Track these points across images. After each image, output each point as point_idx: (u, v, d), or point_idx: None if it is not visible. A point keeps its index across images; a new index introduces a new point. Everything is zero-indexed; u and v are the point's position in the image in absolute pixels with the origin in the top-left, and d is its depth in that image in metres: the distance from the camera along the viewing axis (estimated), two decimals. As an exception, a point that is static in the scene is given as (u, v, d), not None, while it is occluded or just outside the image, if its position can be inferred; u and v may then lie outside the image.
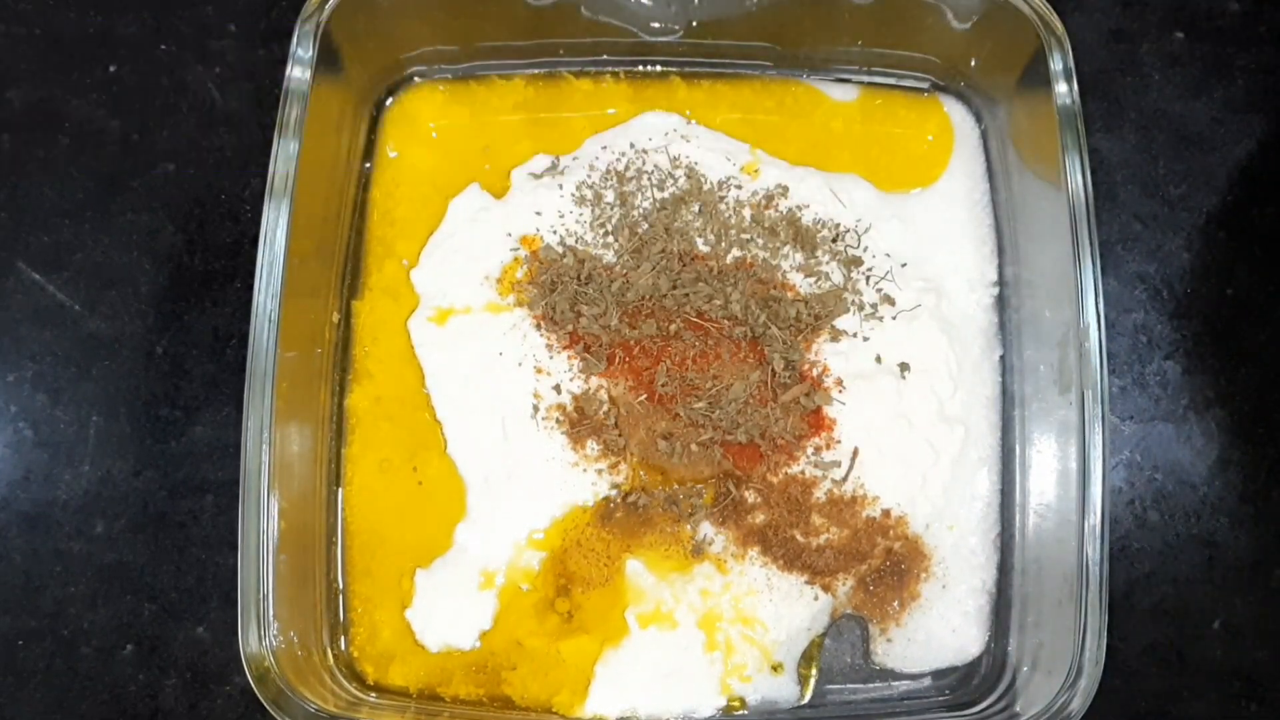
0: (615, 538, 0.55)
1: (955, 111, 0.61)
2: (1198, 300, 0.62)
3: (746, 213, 0.59)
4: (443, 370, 0.57)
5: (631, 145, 0.59)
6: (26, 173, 0.62)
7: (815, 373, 0.56)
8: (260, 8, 0.64)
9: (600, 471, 0.56)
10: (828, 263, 0.58)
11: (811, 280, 0.58)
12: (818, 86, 0.62)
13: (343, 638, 0.55)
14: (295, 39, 0.52)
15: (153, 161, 0.62)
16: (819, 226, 0.59)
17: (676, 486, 0.56)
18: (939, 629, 0.56)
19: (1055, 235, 0.53)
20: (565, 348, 0.57)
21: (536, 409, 0.56)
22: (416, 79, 0.61)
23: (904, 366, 0.57)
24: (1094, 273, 0.51)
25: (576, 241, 0.58)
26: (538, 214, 0.58)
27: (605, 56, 0.61)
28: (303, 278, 0.53)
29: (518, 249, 0.58)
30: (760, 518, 0.55)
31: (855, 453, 0.56)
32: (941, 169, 0.61)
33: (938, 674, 0.56)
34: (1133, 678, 0.58)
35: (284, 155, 0.51)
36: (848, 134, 0.61)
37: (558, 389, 0.56)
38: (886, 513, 0.56)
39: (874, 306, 0.58)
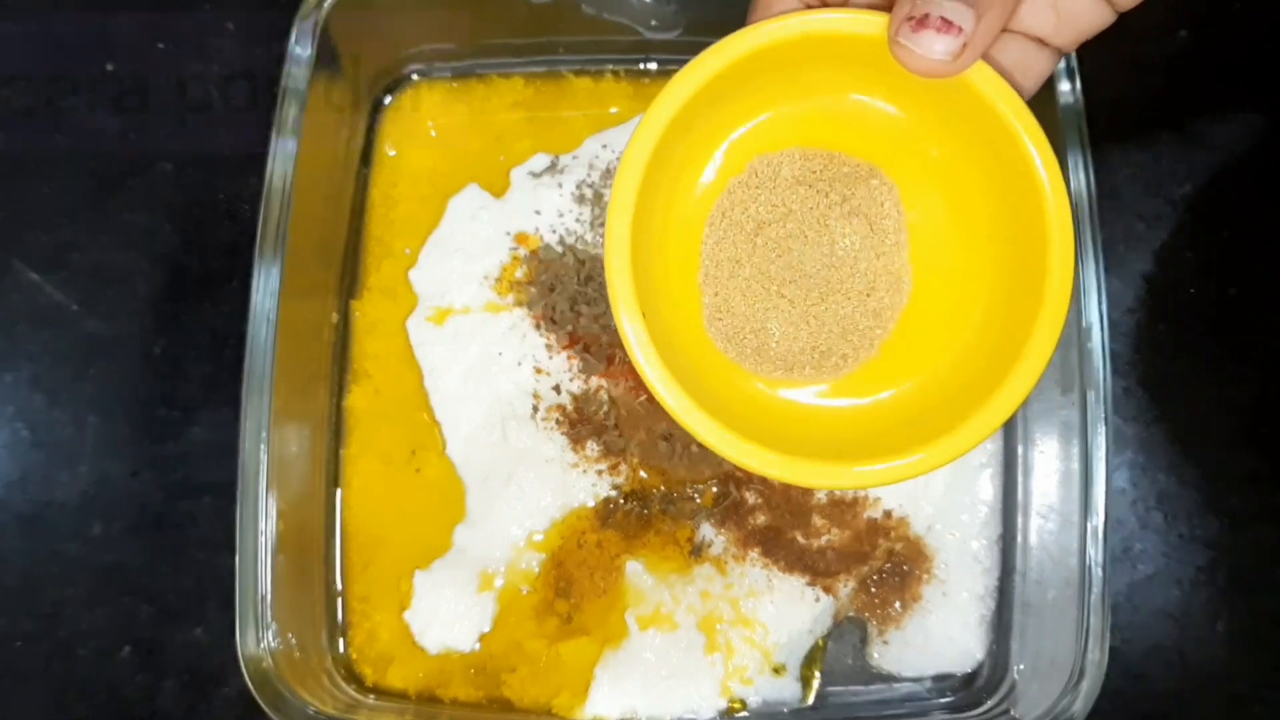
0: (615, 539, 0.55)
1: (957, 110, 0.61)
2: (1200, 300, 0.62)
3: (747, 212, 0.58)
4: (441, 370, 0.57)
5: (632, 144, 0.59)
6: (25, 173, 0.62)
7: (816, 373, 0.56)
8: (259, 7, 0.64)
9: (600, 472, 0.56)
10: (829, 262, 0.58)
11: (812, 280, 0.58)
12: (818, 85, 0.62)
13: (341, 639, 0.55)
14: (293, 37, 0.52)
15: (152, 161, 0.62)
16: (820, 226, 0.58)
17: (677, 487, 0.56)
18: (938, 633, 0.56)
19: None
20: (565, 348, 0.56)
21: (536, 409, 0.56)
22: (415, 77, 0.61)
23: (905, 367, 0.57)
24: (1096, 272, 0.51)
25: (576, 241, 0.58)
26: (537, 213, 0.58)
27: (605, 55, 0.61)
28: (302, 278, 0.53)
29: (517, 248, 0.58)
30: (761, 519, 0.55)
31: (856, 453, 0.56)
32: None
33: (939, 677, 0.56)
34: (1136, 680, 0.58)
35: (282, 155, 0.51)
36: (848, 133, 0.62)
37: (557, 389, 0.56)
38: (888, 514, 0.56)
39: (875, 306, 0.57)
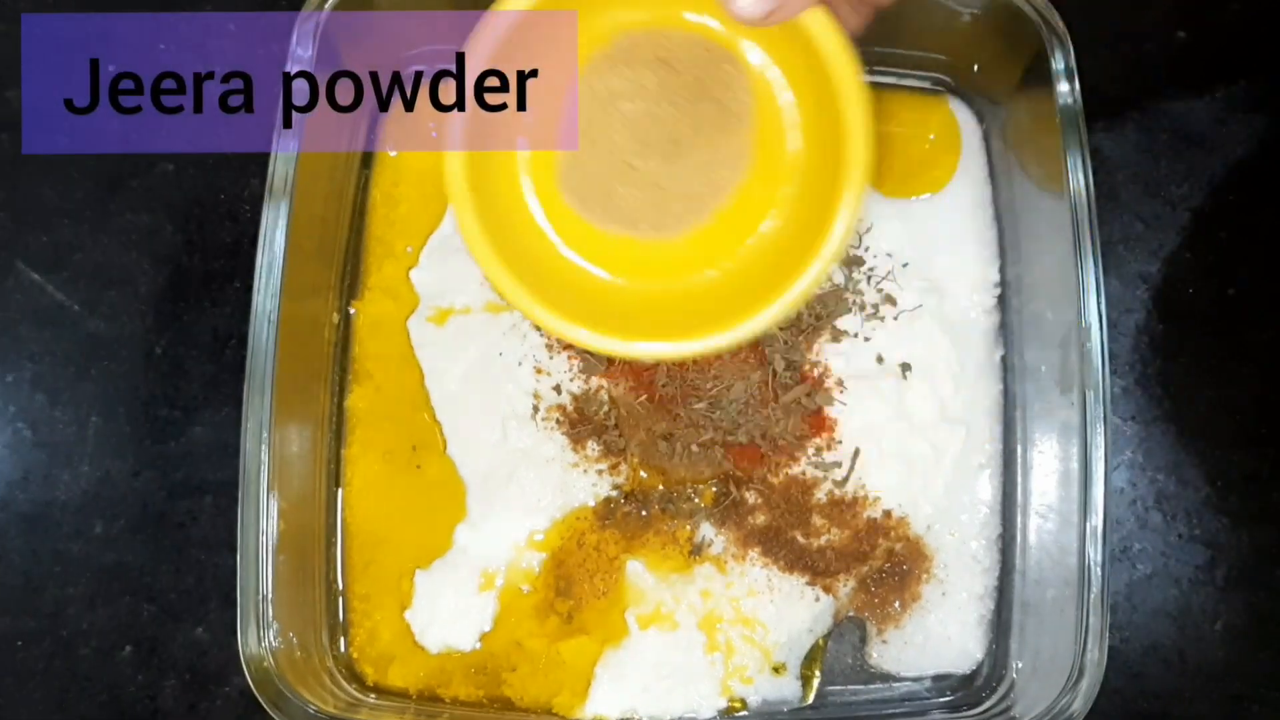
0: (615, 539, 0.55)
1: (958, 111, 0.61)
2: (1199, 300, 0.62)
3: (747, 212, 0.59)
4: (442, 370, 0.57)
5: (632, 145, 0.59)
6: (26, 173, 0.62)
7: (816, 373, 0.56)
8: (260, 7, 0.64)
9: (600, 472, 0.56)
10: (829, 263, 0.58)
11: (812, 280, 0.58)
12: (818, 86, 0.62)
13: (342, 639, 0.55)
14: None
15: (153, 161, 0.62)
16: (820, 226, 0.58)
17: (677, 487, 0.56)
18: (937, 632, 0.56)
19: (1057, 235, 0.52)
20: (565, 348, 0.56)
21: (536, 409, 0.56)
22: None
23: (905, 367, 0.57)
24: (1095, 273, 0.51)
25: (577, 241, 0.58)
26: (538, 214, 0.58)
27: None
28: (302, 278, 0.53)
29: (518, 249, 0.58)
30: (761, 519, 0.55)
31: (856, 453, 0.56)
32: (944, 168, 0.60)
33: (939, 676, 0.56)
34: (1135, 679, 0.58)
35: (284, 155, 0.51)
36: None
37: (558, 389, 0.56)
38: (888, 514, 0.56)
39: (875, 307, 0.57)
